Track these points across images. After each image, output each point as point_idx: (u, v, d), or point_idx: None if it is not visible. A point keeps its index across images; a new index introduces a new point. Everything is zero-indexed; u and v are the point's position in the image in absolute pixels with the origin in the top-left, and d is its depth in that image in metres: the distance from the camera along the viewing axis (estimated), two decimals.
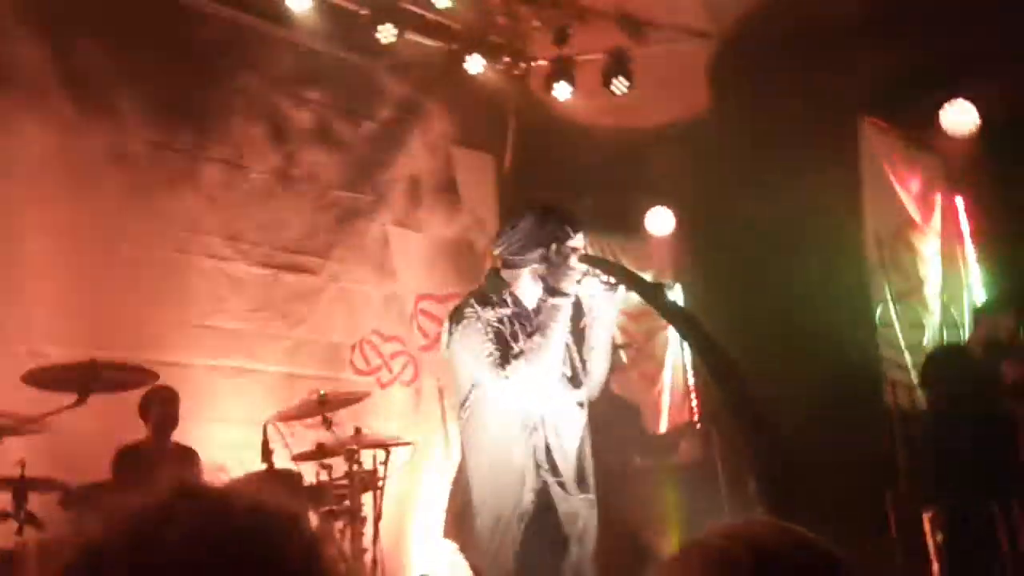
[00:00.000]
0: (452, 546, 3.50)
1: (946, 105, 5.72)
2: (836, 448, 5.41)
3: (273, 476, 4.65)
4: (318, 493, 4.85)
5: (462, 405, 3.43)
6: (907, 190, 5.82)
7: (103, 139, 5.64)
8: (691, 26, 6.77)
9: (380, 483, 5.04)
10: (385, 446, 5.08)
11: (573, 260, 3.35)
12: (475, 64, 6.90)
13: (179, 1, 5.97)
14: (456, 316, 3.41)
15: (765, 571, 1.03)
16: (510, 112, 7.45)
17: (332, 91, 6.75)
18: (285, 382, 6.04)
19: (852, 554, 1.09)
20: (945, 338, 5.52)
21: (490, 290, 3.46)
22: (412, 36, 6.68)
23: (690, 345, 4.97)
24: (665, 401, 6.87)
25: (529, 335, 3.27)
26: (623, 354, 5.73)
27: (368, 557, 4.89)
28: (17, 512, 4.05)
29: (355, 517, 4.88)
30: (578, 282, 3.36)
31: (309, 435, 5.24)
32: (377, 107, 6.96)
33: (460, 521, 3.36)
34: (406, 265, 6.91)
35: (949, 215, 5.79)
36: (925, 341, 5.52)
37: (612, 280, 3.35)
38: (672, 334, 6.30)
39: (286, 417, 5.09)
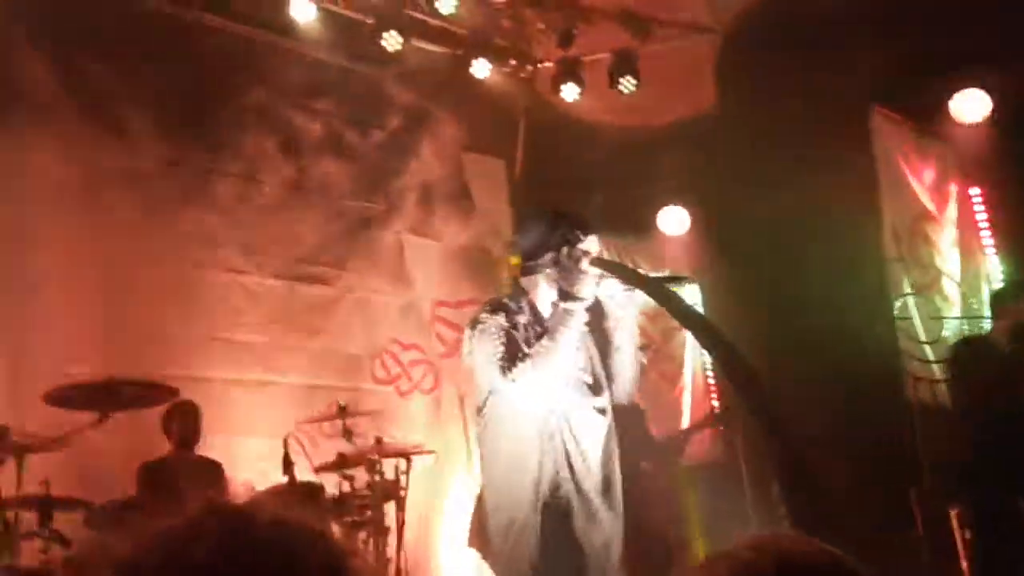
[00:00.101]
0: (475, 554, 3.50)
1: (957, 94, 5.66)
2: (858, 444, 5.38)
3: (295, 489, 4.66)
4: (340, 504, 4.86)
5: (479, 411, 3.42)
6: (921, 181, 5.77)
7: (117, 157, 5.68)
8: (696, 22, 6.75)
9: (402, 492, 5.05)
10: (406, 455, 5.09)
11: (585, 264, 3.33)
12: (481, 68, 6.90)
13: (187, 18, 6.00)
14: (473, 323, 3.41)
15: None
16: (519, 115, 7.45)
17: (341, 101, 6.77)
18: (305, 393, 6.06)
19: (877, 562, 1.09)
20: (966, 330, 5.46)
21: (508, 298, 3.45)
22: (418, 43, 6.68)
23: (705, 348, 4.94)
24: (686, 402, 6.85)
25: (538, 338, 3.26)
26: (642, 355, 5.70)
27: (392, 567, 4.90)
28: (42, 530, 4.08)
29: (378, 527, 4.89)
30: (597, 284, 3.34)
31: (330, 446, 5.26)
32: (386, 116, 6.98)
33: (481, 527, 3.36)
34: (422, 273, 6.92)
35: (965, 205, 5.73)
36: (945, 334, 5.47)
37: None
38: (690, 334, 6.27)
39: (308, 422, 5.12)
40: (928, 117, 5.81)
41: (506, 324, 3.30)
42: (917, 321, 5.46)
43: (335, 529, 4.69)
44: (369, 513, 4.88)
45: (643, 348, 5.78)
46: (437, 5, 6.46)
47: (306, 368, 6.20)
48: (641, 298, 3.36)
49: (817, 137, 5.80)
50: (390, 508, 5.02)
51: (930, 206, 5.74)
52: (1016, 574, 4.25)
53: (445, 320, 6.79)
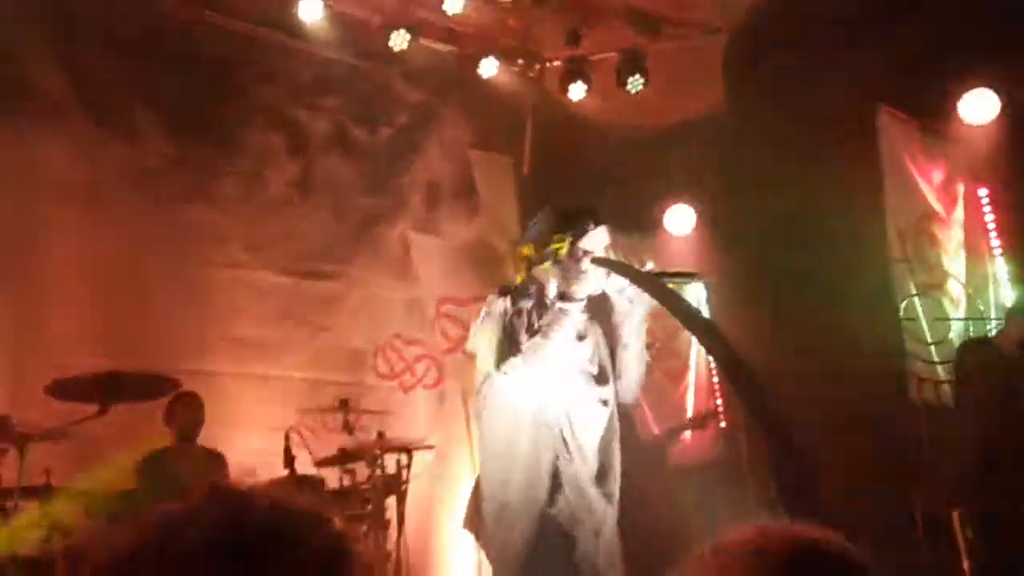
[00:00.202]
0: (470, 536, 3.51)
1: (965, 94, 5.62)
2: (861, 445, 5.35)
3: (295, 482, 4.68)
4: (341, 498, 4.88)
5: (477, 393, 3.43)
6: (928, 181, 5.72)
7: (123, 154, 5.74)
8: (704, 22, 6.74)
9: (403, 487, 5.06)
10: (407, 449, 5.10)
11: (585, 263, 3.32)
12: (489, 67, 6.91)
13: (194, 16, 6.04)
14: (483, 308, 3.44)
15: (799, 567, 1.04)
16: (526, 114, 7.45)
17: (348, 99, 6.80)
18: (309, 388, 6.09)
19: (877, 556, 1.10)
20: (971, 332, 5.42)
21: (519, 285, 3.46)
22: (425, 42, 6.70)
23: (705, 348, 4.92)
24: (689, 400, 6.83)
25: (532, 334, 3.26)
26: (647, 354, 5.69)
27: (392, 560, 4.91)
28: (43, 520, 4.11)
29: (378, 521, 4.91)
30: (607, 277, 3.33)
31: (332, 440, 5.28)
32: (393, 113, 7.01)
33: (476, 510, 3.37)
34: (427, 269, 6.93)
35: (973, 206, 5.68)
36: (951, 335, 5.42)
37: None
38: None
39: (309, 419, 5.15)
40: (936, 117, 5.76)
41: (511, 308, 3.31)
42: (922, 322, 5.41)
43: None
44: (370, 507, 4.90)
45: (648, 346, 5.79)
46: (445, 4, 6.47)
47: (310, 363, 6.23)
48: (649, 296, 3.35)
49: (823, 136, 5.77)
50: (391, 502, 5.03)
51: (937, 206, 5.69)
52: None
53: (450, 316, 6.81)
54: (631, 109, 7.03)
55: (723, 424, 6.54)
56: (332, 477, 5.09)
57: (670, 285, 3.23)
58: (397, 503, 5.02)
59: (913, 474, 4.85)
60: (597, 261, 3.36)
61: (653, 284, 3.33)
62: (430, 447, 5.47)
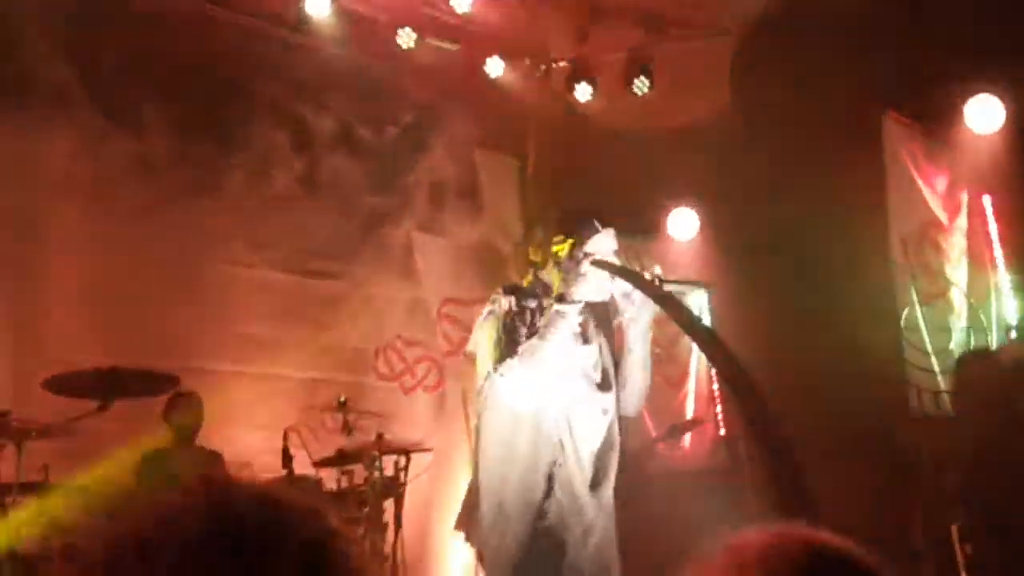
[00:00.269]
0: (460, 536, 3.49)
1: (970, 100, 5.59)
2: (861, 454, 5.33)
3: (292, 482, 4.68)
4: (338, 499, 4.87)
5: (478, 393, 3.42)
6: (932, 188, 5.71)
7: (127, 149, 5.73)
8: (710, 25, 6.71)
9: (401, 489, 5.06)
10: (406, 452, 5.09)
11: (584, 265, 3.31)
12: (495, 67, 6.90)
13: (200, 11, 6.03)
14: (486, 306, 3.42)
15: (817, 568, 1.05)
16: (532, 114, 7.43)
17: (353, 97, 6.78)
18: (309, 387, 6.09)
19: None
20: (972, 342, 5.40)
21: (525, 285, 3.45)
22: (431, 41, 6.69)
23: (706, 356, 4.91)
24: (689, 407, 6.81)
25: (528, 336, 3.25)
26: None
27: (389, 563, 4.91)
28: (41, 517, 4.11)
29: (376, 523, 4.90)
30: (611, 280, 3.32)
31: (332, 441, 5.28)
32: (399, 112, 6.99)
33: (469, 509, 3.35)
34: (430, 270, 6.92)
35: (976, 215, 5.66)
36: (952, 345, 5.41)
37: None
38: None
39: (308, 419, 5.15)
40: (940, 124, 5.75)
41: (515, 308, 3.30)
42: (924, 331, 5.40)
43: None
44: (367, 509, 4.89)
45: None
46: (452, 3, 6.46)
47: (310, 362, 6.22)
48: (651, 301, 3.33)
49: (828, 142, 5.75)
50: (389, 504, 5.03)
51: (940, 214, 5.68)
52: None
53: (452, 318, 6.79)
54: (636, 111, 7.01)
55: (723, 431, 6.53)
56: (330, 478, 5.08)
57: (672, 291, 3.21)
58: (395, 505, 5.02)
59: (912, 484, 4.84)
60: (597, 263, 3.35)
61: (655, 289, 3.32)
62: (428, 449, 5.46)
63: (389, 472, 5.03)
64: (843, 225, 5.51)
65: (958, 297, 5.56)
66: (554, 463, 3.26)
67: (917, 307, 5.43)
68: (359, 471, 4.99)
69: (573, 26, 6.87)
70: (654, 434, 5.95)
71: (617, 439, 3.42)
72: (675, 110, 6.90)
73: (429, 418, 6.62)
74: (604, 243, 3.37)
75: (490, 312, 3.34)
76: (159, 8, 5.87)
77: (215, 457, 5.12)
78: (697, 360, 6.66)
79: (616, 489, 3.40)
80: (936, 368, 5.31)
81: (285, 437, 4.93)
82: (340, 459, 5.03)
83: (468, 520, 3.39)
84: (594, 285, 3.33)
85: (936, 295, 5.56)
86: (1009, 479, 4.34)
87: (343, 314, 6.51)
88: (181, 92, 5.97)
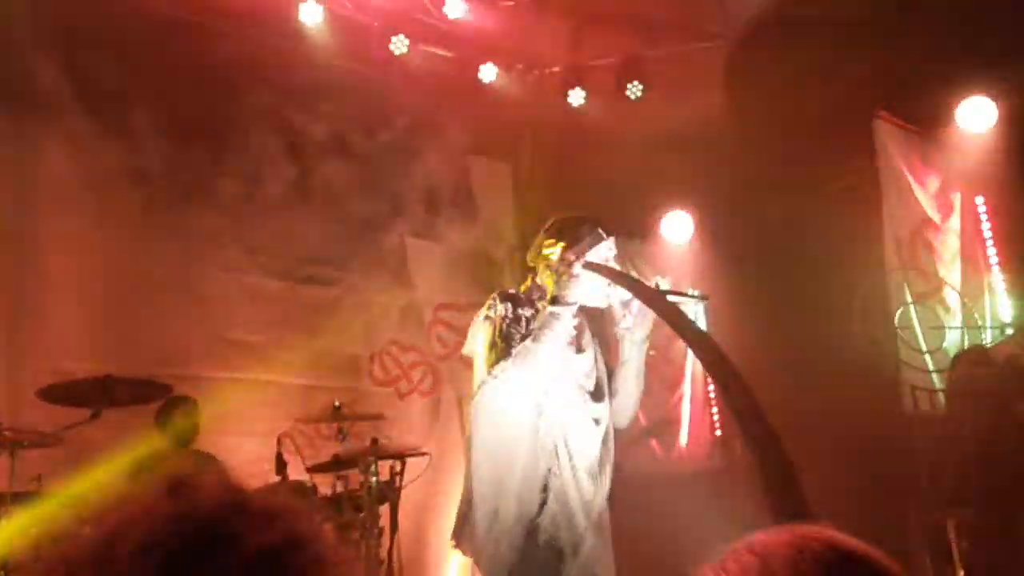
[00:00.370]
0: (456, 548, 3.47)
1: (963, 102, 5.61)
2: (856, 453, 5.33)
3: (286, 488, 4.67)
4: (333, 504, 4.86)
5: (474, 397, 3.41)
6: (925, 189, 5.72)
7: (121, 156, 5.73)
8: (703, 29, 6.73)
9: (397, 493, 5.05)
10: (401, 456, 5.08)
11: (576, 267, 3.31)
12: (488, 73, 6.91)
13: (193, 19, 6.04)
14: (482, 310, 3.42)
15: (839, 569, 1.07)
16: (525, 120, 7.44)
17: (347, 104, 6.78)
18: (304, 394, 6.08)
19: None
20: (967, 341, 5.41)
21: (521, 291, 3.45)
22: (424, 47, 6.70)
23: (701, 362, 4.91)
24: (685, 410, 6.80)
25: (523, 339, 3.25)
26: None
27: (385, 568, 4.89)
28: (35, 526, 4.09)
29: (371, 528, 4.88)
30: (610, 285, 3.32)
31: (327, 446, 5.27)
32: (392, 118, 6.99)
33: (463, 519, 3.33)
34: (424, 276, 6.93)
35: (969, 215, 5.67)
36: (946, 343, 5.42)
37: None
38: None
39: (302, 421, 5.14)
40: (933, 125, 5.76)
41: (511, 314, 3.30)
42: (918, 330, 5.41)
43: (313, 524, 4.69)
44: (363, 514, 4.88)
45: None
46: (444, 10, 6.47)
47: (305, 368, 6.21)
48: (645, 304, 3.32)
49: (821, 144, 5.77)
50: (384, 509, 5.02)
51: (933, 215, 5.69)
52: None
53: (446, 323, 6.80)
54: (630, 116, 7.03)
55: (719, 433, 6.53)
56: (325, 483, 5.07)
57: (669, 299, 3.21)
58: (390, 510, 5.01)
59: (908, 483, 4.84)
60: (589, 266, 3.35)
61: (646, 290, 3.31)
62: (424, 454, 5.45)
63: (385, 477, 5.02)
64: (837, 226, 5.52)
65: (952, 296, 5.57)
66: (549, 471, 3.25)
67: (911, 306, 5.44)
68: (354, 476, 4.98)
69: (566, 32, 6.88)
70: (652, 441, 5.94)
71: (612, 451, 3.41)
72: (668, 114, 6.91)
73: (424, 423, 6.62)
74: (602, 250, 3.38)
75: (486, 317, 3.33)
76: (153, 16, 5.88)
77: (212, 462, 5.11)
78: (692, 362, 6.66)
79: (609, 498, 3.40)
80: (930, 367, 5.32)
81: (279, 443, 4.92)
82: (335, 464, 5.02)
83: (462, 529, 3.37)
84: (587, 288, 3.33)
85: (930, 294, 5.57)
86: (1004, 478, 4.35)
87: (337, 320, 6.50)
88: (174, 99, 5.97)
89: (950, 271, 5.62)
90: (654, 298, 3.29)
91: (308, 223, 6.54)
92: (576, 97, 7.00)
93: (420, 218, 7.05)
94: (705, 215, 6.95)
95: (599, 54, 7.00)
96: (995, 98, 5.60)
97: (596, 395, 3.40)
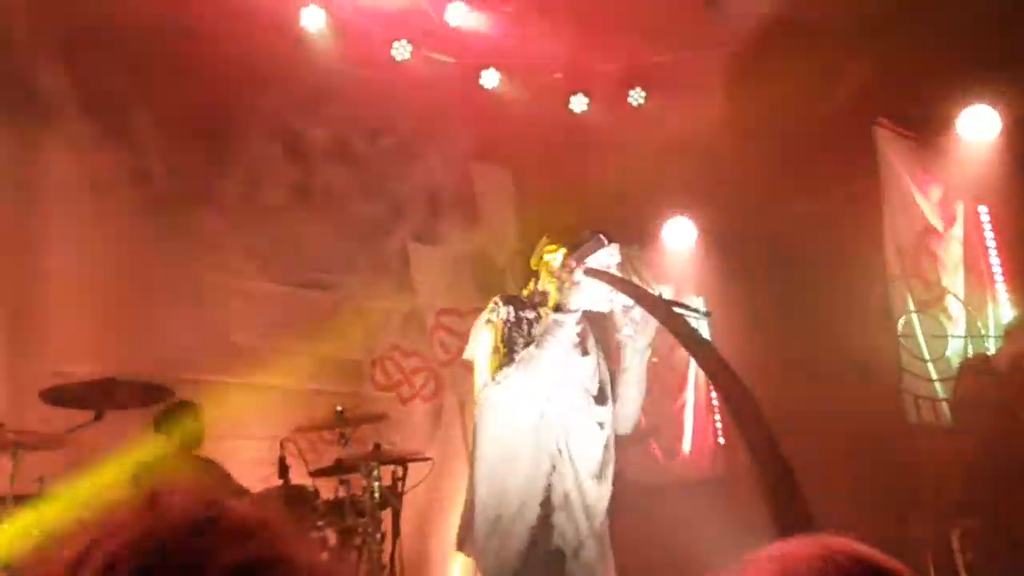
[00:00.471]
0: (460, 553, 3.46)
1: (965, 110, 5.62)
2: (857, 462, 5.32)
3: (288, 492, 4.65)
4: (336, 509, 4.85)
5: (476, 402, 3.41)
6: (927, 197, 5.73)
7: (123, 159, 5.73)
8: (706, 37, 6.74)
9: (399, 498, 5.04)
10: (403, 461, 5.08)
11: (578, 273, 3.32)
12: (491, 79, 6.91)
13: (195, 23, 6.04)
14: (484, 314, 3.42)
15: None
16: (527, 126, 7.44)
17: (349, 109, 6.78)
18: (305, 398, 6.07)
19: None
20: (970, 349, 5.41)
21: (524, 296, 3.45)
22: (427, 52, 6.70)
23: (703, 370, 4.91)
24: (688, 417, 6.80)
25: (525, 343, 3.25)
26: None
27: (387, 572, 4.88)
28: (36, 528, 4.08)
29: (373, 533, 4.87)
30: (613, 291, 3.32)
31: (329, 451, 5.26)
32: (394, 123, 6.99)
33: (467, 524, 3.33)
34: (426, 281, 6.93)
35: (972, 223, 5.68)
36: (949, 352, 5.42)
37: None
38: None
39: (304, 430, 5.13)
40: (935, 133, 5.78)
41: (513, 318, 3.30)
42: (920, 339, 5.41)
43: (328, 534, 4.68)
44: (364, 519, 4.86)
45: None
46: (446, 16, 6.48)
47: (307, 373, 6.20)
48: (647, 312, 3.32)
49: (823, 151, 5.77)
50: (386, 514, 5.01)
51: (936, 223, 5.70)
52: None
53: (448, 328, 6.79)
54: (632, 122, 7.04)
55: (722, 440, 6.52)
56: (328, 488, 5.06)
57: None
58: (393, 515, 5.00)
59: (912, 492, 4.83)
60: (590, 272, 3.35)
61: (649, 298, 3.32)
62: (426, 459, 5.44)
63: (387, 482, 5.01)
64: (838, 233, 5.53)
65: (955, 305, 5.57)
66: (552, 474, 3.25)
67: (913, 315, 5.44)
68: (357, 481, 4.97)
69: (568, 38, 6.89)
70: (654, 448, 5.93)
71: (613, 456, 3.41)
72: (670, 121, 6.93)
73: (426, 428, 6.61)
74: (606, 257, 3.39)
75: (488, 320, 3.34)
76: (155, 19, 5.87)
77: (214, 467, 5.09)
78: (695, 369, 6.65)
79: (610, 503, 3.40)
80: (933, 375, 5.31)
81: (282, 447, 4.91)
82: (338, 469, 5.01)
83: (466, 534, 3.37)
84: (589, 294, 3.34)
85: (933, 303, 5.57)
86: (1011, 487, 4.34)
87: (339, 325, 6.49)
88: (176, 103, 5.97)
89: (953, 280, 5.62)
90: (657, 305, 3.29)
91: (310, 227, 6.54)
92: (578, 103, 7.01)
93: (422, 223, 7.05)
94: (707, 222, 6.95)
95: (601, 60, 7.00)
96: (997, 106, 5.61)
97: (599, 399, 3.40)
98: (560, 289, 3.32)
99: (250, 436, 5.75)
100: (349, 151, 6.81)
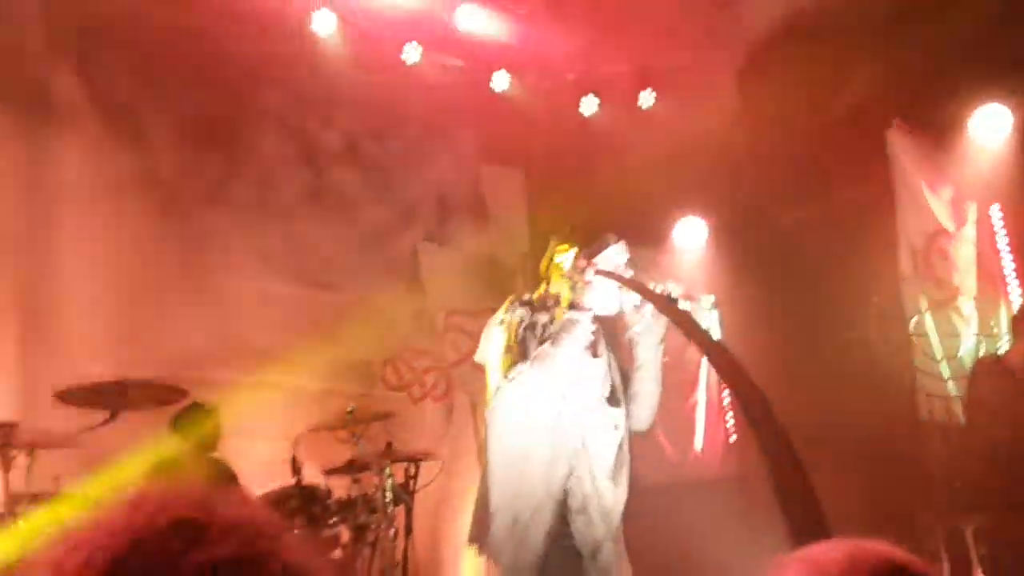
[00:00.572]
0: (474, 548, 3.47)
1: (977, 110, 5.62)
2: (871, 461, 5.32)
3: (301, 491, 4.68)
4: (348, 507, 4.87)
5: (488, 403, 3.42)
6: (939, 198, 5.73)
7: (135, 162, 5.77)
8: (718, 38, 6.75)
9: (411, 496, 5.07)
10: (415, 460, 5.10)
11: (589, 273, 3.33)
12: (501, 81, 6.93)
13: (207, 26, 6.08)
14: (494, 317, 3.43)
15: None
16: (538, 128, 7.46)
17: (360, 111, 6.82)
18: (317, 398, 6.09)
19: None
20: (983, 349, 5.41)
21: (536, 297, 3.47)
22: (437, 55, 6.73)
23: (715, 369, 4.91)
24: (700, 417, 6.79)
25: (540, 343, 3.26)
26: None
27: (400, 570, 4.90)
28: (51, 527, 4.10)
29: (387, 530, 4.89)
30: (620, 290, 3.33)
31: (341, 450, 5.28)
32: (405, 126, 7.02)
33: (480, 521, 3.34)
34: (436, 282, 6.95)
35: (984, 223, 5.67)
36: (961, 352, 5.41)
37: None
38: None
39: (316, 429, 5.15)
40: (947, 133, 5.77)
41: (527, 319, 3.31)
42: (933, 338, 5.40)
43: (341, 531, 4.71)
44: (377, 516, 4.89)
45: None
46: (456, 19, 6.50)
47: (319, 373, 6.22)
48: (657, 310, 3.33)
49: (835, 152, 5.78)
50: (399, 512, 5.03)
51: (948, 224, 5.69)
52: None
53: (459, 329, 6.81)
54: (643, 124, 7.04)
55: (733, 439, 6.51)
56: (341, 486, 5.08)
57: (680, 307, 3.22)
58: (405, 512, 5.03)
59: (924, 491, 4.82)
60: (601, 273, 3.37)
61: (658, 298, 3.33)
62: (438, 458, 5.46)
63: (399, 480, 5.03)
64: (850, 233, 5.53)
65: (967, 305, 5.56)
66: (570, 475, 3.25)
67: (926, 314, 5.44)
68: (369, 479, 4.99)
69: (579, 40, 6.90)
70: (666, 444, 5.92)
71: (628, 456, 3.41)
72: (681, 123, 6.93)
73: (437, 427, 6.63)
74: (614, 256, 3.40)
75: (501, 321, 3.35)
76: (167, 22, 5.92)
77: (225, 468, 5.12)
78: (707, 368, 6.65)
79: (626, 504, 3.40)
80: (946, 375, 5.31)
81: (295, 446, 4.93)
82: (350, 468, 5.03)
83: (480, 532, 3.38)
84: (601, 293, 3.36)
85: (945, 302, 5.57)
86: (1023, 484, 4.33)
87: (351, 326, 6.51)
88: (188, 105, 6.01)
89: (965, 280, 5.62)
90: (667, 304, 3.30)
91: (321, 229, 6.57)
92: (589, 105, 7.02)
93: (433, 225, 7.08)
94: (719, 223, 6.95)
95: (612, 62, 7.01)
96: (1010, 107, 5.60)
97: (612, 400, 3.41)
98: (574, 288, 3.34)
99: (263, 436, 5.77)
100: (361, 153, 6.84)
